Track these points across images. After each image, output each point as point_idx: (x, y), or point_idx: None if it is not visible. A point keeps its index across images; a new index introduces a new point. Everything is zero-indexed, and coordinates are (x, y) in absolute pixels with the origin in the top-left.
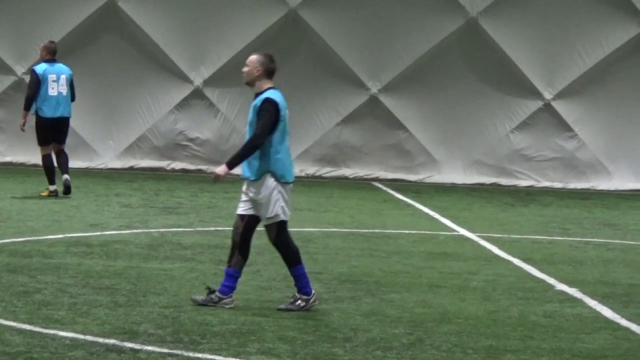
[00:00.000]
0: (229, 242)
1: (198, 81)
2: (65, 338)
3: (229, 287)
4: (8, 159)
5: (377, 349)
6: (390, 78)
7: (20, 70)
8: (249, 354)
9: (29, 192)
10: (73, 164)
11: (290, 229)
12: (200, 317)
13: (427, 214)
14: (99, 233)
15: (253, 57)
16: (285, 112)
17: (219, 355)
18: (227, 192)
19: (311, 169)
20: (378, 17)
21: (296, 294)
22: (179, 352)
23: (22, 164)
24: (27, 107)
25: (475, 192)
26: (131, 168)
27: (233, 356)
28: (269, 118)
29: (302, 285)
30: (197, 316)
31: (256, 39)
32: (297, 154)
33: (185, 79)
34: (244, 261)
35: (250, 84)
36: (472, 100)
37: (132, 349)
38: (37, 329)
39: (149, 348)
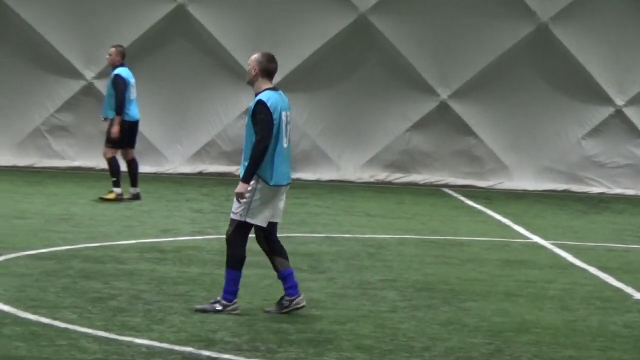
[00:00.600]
0: (302, 248)
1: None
2: (142, 345)
3: (292, 286)
4: (77, 163)
5: (456, 358)
6: (460, 84)
7: (89, 74)
8: None
9: (99, 197)
10: (142, 168)
11: (364, 236)
12: (277, 324)
13: (499, 221)
14: (171, 239)
15: (252, 57)
16: (279, 114)
17: None
18: (297, 198)
19: (381, 175)
20: (448, 23)
21: (218, 297)
22: None
23: (91, 169)
24: (121, 112)
25: (547, 199)
26: (200, 173)
27: None
28: (264, 121)
29: (227, 290)
30: (273, 324)
31: (325, 44)
32: (366, 159)
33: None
34: (285, 257)
35: (250, 84)
36: (542, 107)
37: (209, 357)
38: (113, 336)
39: (226, 356)
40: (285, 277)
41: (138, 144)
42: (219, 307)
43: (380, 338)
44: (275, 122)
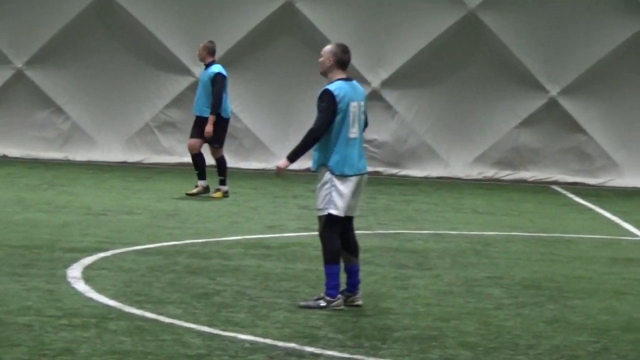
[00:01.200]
0: (408, 245)
1: (376, 83)
2: (245, 341)
3: (352, 284)
4: (185, 159)
5: (561, 357)
6: (569, 80)
7: (198, 71)
8: None
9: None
10: (249, 165)
11: (471, 233)
12: (381, 322)
13: (608, 219)
14: (277, 235)
15: (327, 48)
16: (346, 104)
17: None
18: (404, 195)
19: (489, 172)
20: (558, 19)
21: (322, 293)
22: (359, 357)
23: None
24: (217, 111)
25: None
26: (308, 169)
27: None
28: (325, 110)
29: (329, 286)
30: (377, 320)
31: (434, 40)
32: (475, 156)
33: (363, 80)
34: (355, 255)
35: (324, 74)
36: None
37: (312, 354)
38: (217, 331)
39: (330, 352)
40: (349, 273)
41: (246, 141)
42: (323, 304)
43: (484, 335)
44: (340, 111)
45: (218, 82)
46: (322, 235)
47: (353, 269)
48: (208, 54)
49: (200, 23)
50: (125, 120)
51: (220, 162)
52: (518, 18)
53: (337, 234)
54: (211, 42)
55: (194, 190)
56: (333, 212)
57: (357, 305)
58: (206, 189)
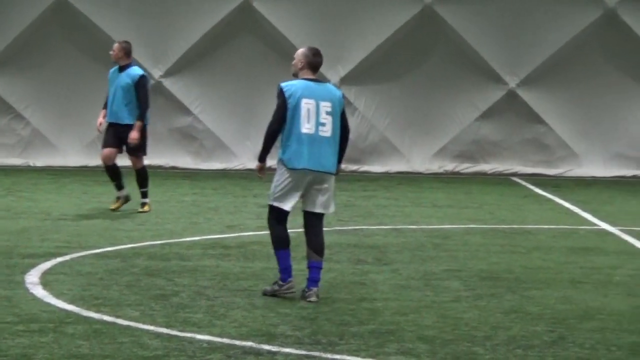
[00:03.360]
0: (367, 240)
1: (334, 80)
2: (203, 341)
3: (311, 279)
4: (146, 162)
5: (518, 347)
6: (528, 72)
7: (157, 73)
8: (388, 355)
9: (167, 195)
10: (211, 165)
11: (430, 227)
12: (339, 317)
13: (567, 209)
14: (236, 234)
15: (299, 51)
16: (297, 100)
17: (357, 356)
18: (365, 191)
19: (450, 165)
20: (514, 11)
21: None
22: (317, 353)
23: (159, 167)
24: (144, 117)
25: (617, 185)
26: (269, 168)
27: (371, 357)
28: (278, 105)
29: (279, 269)
30: (335, 317)
31: (392, 36)
32: (435, 150)
33: (322, 77)
34: (315, 252)
35: (295, 76)
36: (612, 92)
37: (269, 352)
38: (175, 332)
39: (287, 350)
40: (308, 268)
41: (207, 142)
42: (276, 287)
43: (442, 328)
44: (290, 106)
45: (145, 85)
46: (268, 223)
47: (311, 264)
48: (125, 55)
49: (158, 24)
50: (85, 125)
51: (143, 173)
52: (475, 10)
53: (281, 223)
54: (127, 42)
55: (118, 204)
56: (273, 203)
57: (310, 302)
58: (127, 198)
